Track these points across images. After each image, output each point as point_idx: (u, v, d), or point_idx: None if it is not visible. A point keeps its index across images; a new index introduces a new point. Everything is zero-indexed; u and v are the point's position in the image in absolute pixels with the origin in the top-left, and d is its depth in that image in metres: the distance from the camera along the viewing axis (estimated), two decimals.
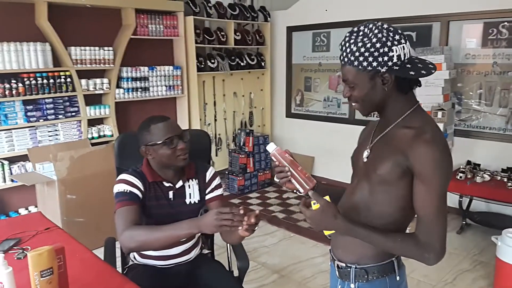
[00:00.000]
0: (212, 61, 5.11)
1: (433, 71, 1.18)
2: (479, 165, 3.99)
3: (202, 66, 5.01)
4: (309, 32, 5.40)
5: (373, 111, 1.27)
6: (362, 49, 1.15)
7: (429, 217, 1.17)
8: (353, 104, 1.27)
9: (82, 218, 3.49)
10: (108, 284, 1.58)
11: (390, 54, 1.14)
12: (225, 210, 1.45)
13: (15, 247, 1.89)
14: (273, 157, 1.32)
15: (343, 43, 1.21)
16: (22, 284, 1.49)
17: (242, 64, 5.41)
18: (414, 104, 1.25)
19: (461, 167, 3.93)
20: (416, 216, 1.23)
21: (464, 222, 3.95)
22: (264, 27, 5.66)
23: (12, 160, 3.83)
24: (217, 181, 1.93)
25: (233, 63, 5.31)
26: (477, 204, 4.05)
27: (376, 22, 1.18)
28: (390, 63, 1.15)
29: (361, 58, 1.15)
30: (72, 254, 1.70)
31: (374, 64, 1.15)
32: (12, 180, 3.78)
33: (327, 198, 1.21)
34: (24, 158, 3.86)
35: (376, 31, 1.15)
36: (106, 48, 4.24)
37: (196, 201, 1.87)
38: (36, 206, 3.94)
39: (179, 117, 5.11)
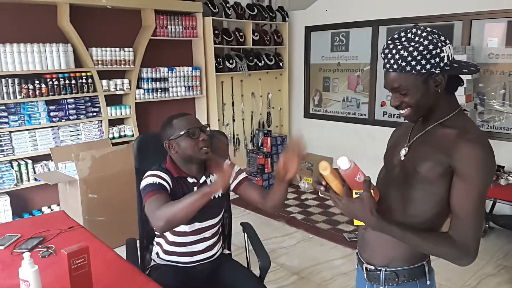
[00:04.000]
0: (231, 61, 5.12)
1: (478, 69, 1.21)
2: (503, 167, 3.90)
3: (221, 66, 5.02)
4: (328, 32, 5.36)
5: (424, 115, 1.24)
6: (415, 53, 1.13)
7: (467, 217, 1.15)
8: (404, 110, 1.23)
9: (103, 217, 3.53)
10: (131, 284, 1.60)
11: (442, 55, 1.15)
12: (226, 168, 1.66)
13: (40, 246, 1.92)
14: (346, 174, 1.16)
15: (386, 51, 1.19)
16: (47, 282, 1.51)
17: (260, 64, 5.41)
18: (457, 106, 1.25)
19: None
20: (451, 216, 1.21)
21: (487, 226, 3.87)
22: (282, 27, 5.64)
23: (36, 160, 3.90)
24: (236, 168, 1.99)
25: (251, 64, 5.31)
26: (501, 207, 3.96)
27: (418, 26, 1.18)
28: (441, 64, 1.15)
29: (413, 63, 1.14)
30: (95, 253, 1.73)
31: (428, 66, 1.15)
32: (35, 179, 3.85)
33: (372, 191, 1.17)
34: (47, 157, 3.93)
35: (424, 34, 1.14)
36: (126, 49, 4.29)
37: (220, 195, 1.93)
38: (58, 205, 4.00)
39: (198, 117, 5.11)
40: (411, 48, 1.14)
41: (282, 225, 4.19)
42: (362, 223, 1.19)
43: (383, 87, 1.26)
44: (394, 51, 1.16)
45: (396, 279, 1.28)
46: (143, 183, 1.77)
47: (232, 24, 5.29)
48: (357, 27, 5.03)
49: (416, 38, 1.14)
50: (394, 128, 1.52)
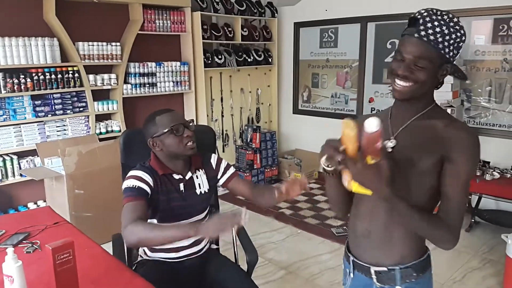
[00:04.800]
0: (219, 57, 5.10)
1: (466, 79, 1.25)
2: (488, 162, 3.96)
3: (209, 62, 4.99)
4: (317, 28, 5.37)
5: (414, 98, 1.21)
6: (453, 35, 1.13)
7: (458, 202, 1.18)
8: (406, 84, 1.17)
9: (90, 213, 3.50)
10: (118, 279, 1.59)
11: (460, 51, 1.17)
12: (226, 215, 1.46)
13: (25, 241, 1.90)
14: (370, 137, 1.05)
15: (427, 18, 1.12)
16: (32, 278, 1.49)
17: (249, 60, 5.40)
18: (433, 100, 1.27)
19: None
20: (440, 201, 1.23)
21: (473, 220, 3.92)
22: (271, 23, 5.64)
23: (21, 155, 3.85)
24: (224, 163, 1.99)
25: (240, 59, 5.30)
26: (486, 202, 4.02)
27: (451, 14, 1.16)
28: (455, 58, 1.17)
29: (446, 43, 1.13)
30: (81, 249, 1.71)
31: (451, 54, 1.16)
32: (21, 175, 3.80)
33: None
34: (32, 153, 3.87)
35: (460, 23, 1.15)
36: (113, 43, 4.24)
37: (206, 191, 1.91)
38: (45, 201, 3.96)
39: (186, 113, 5.10)
40: (452, 30, 1.12)
41: (270, 220, 4.19)
42: (366, 192, 1.12)
43: (398, 51, 1.17)
44: (436, 23, 1.12)
45: (414, 274, 1.28)
46: (124, 185, 1.74)
47: (221, 19, 5.26)
48: (345, 23, 5.04)
49: (457, 27, 1.14)
50: None
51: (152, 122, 1.82)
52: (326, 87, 5.43)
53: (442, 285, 3.00)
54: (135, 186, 1.71)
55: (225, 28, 5.16)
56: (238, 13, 5.21)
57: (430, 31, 1.12)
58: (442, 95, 3.82)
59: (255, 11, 5.37)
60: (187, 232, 1.47)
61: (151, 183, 1.76)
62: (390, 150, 1.27)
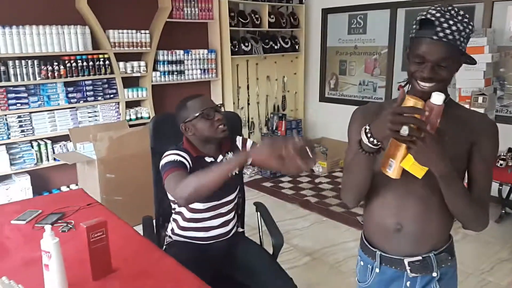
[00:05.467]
0: (246, 44, 5.10)
1: (475, 63, 1.28)
2: None
3: (236, 49, 5.01)
4: (345, 14, 5.29)
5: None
6: (467, 30, 1.16)
7: (486, 186, 1.27)
8: (432, 84, 1.16)
9: (121, 197, 3.61)
10: (148, 258, 1.64)
11: (469, 40, 1.20)
12: (276, 137, 1.49)
13: (60, 221, 1.98)
14: (437, 110, 1.04)
15: (442, 19, 1.13)
16: (67, 255, 1.56)
17: (275, 47, 5.38)
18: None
19: (502, 154, 3.79)
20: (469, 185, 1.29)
21: (503, 211, 3.83)
22: (298, 9, 5.59)
23: (55, 140, 3.99)
24: (249, 142, 2.01)
25: (267, 47, 5.29)
26: None
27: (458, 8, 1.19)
28: (466, 48, 1.20)
29: (462, 39, 1.16)
30: (113, 229, 1.77)
31: (465, 46, 1.19)
32: (54, 159, 3.95)
33: None
34: (65, 138, 4.01)
35: (469, 17, 1.17)
36: (143, 31, 4.31)
37: (237, 172, 1.93)
38: (77, 184, 4.10)
39: (213, 100, 5.14)
40: (465, 25, 1.15)
41: (296, 207, 4.21)
42: (418, 172, 1.08)
43: (418, 55, 1.16)
44: (451, 21, 1.13)
45: (449, 258, 1.32)
46: (164, 161, 1.78)
47: (248, 6, 5.25)
48: (375, 9, 4.94)
49: (466, 20, 1.16)
50: None
51: (184, 107, 1.87)
52: (354, 75, 5.36)
53: (470, 274, 2.96)
54: (177, 159, 1.77)
55: (252, 15, 5.15)
56: (265, 0, 5.19)
57: (447, 31, 1.13)
58: (474, 82, 3.72)
59: None
60: (239, 160, 1.47)
61: (190, 162, 1.82)
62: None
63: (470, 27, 1.17)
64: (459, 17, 1.15)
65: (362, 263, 1.42)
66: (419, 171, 1.08)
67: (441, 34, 1.12)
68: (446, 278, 1.31)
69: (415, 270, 1.29)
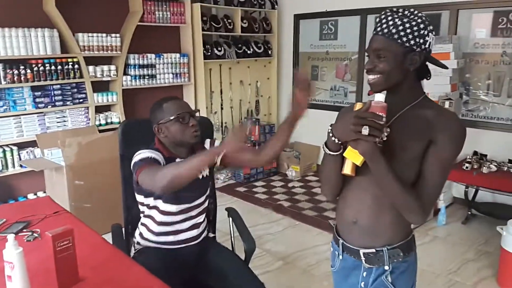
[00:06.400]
0: (219, 48, 5.10)
1: (446, 68, 1.36)
2: (485, 155, 3.97)
3: (209, 53, 5.00)
4: (317, 20, 5.36)
5: (388, 88, 1.31)
6: (407, 25, 1.22)
7: (433, 181, 1.28)
8: (374, 76, 1.29)
9: (90, 204, 3.53)
10: (117, 267, 1.61)
11: (426, 38, 1.25)
12: (236, 127, 1.65)
13: (25, 230, 1.92)
14: (376, 111, 1.21)
15: (382, 17, 1.27)
16: (32, 265, 1.52)
17: (248, 52, 5.40)
18: (423, 92, 1.36)
19: (468, 157, 3.91)
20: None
21: (469, 213, 3.95)
22: (271, 14, 5.63)
23: (21, 146, 3.87)
24: (217, 142, 2.01)
25: (240, 51, 5.30)
26: (483, 194, 4.04)
27: (414, 9, 1.27)
28: (423, 46, 1.25)
29: (402, 33, 1.23)
30: (80, 238, 1.73)
31: (412, 42, 1.23)
32: (21, 166, 3.83)
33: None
34: (32, 144, 3.90)
35: (419, 14, 1.25)
36: (113, 35, 4.25)
37: (207, 174, 1.95)
38: (44, 192, 3.99)
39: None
40: (405, 20, 1.23)
41: (269, 212, 4.23)
42: (356, 159, 1.23)
43: (365, 50, 1.33)
44: (389, 18, 1.25)
45: (401, 254, 1.36)
46: (136, 158, 1.76)
47: (220, 11, 5.26)
48: (345, 15, 5.03)
49: (411, 16, 1.24)
50: None
51: (159, 108, 1.85)
52: (326, 80, 5.43)
53: (438, 275, 3.03)
54: (151, 156, 1.76)
55: (225, 19, 5.16)
56: (238, 5, 5.21)
57: (384, 26, 1.25)
58: (440, 87, 3.83)
59: (255, 2, 5.37)
60: (213, 153, 1.58)
61: (162, 160, 1.81)
62: (385, 138, 1.31)
63: (414, 22, 1.22)
64: (404, 14, 1.24)
65: (331, 249, 1.56)
66: (356, 158, 1.24)
67: (378, 29, 1.26)
68: (397, 272, 1.37)
69: (369, 262, 1.38)
